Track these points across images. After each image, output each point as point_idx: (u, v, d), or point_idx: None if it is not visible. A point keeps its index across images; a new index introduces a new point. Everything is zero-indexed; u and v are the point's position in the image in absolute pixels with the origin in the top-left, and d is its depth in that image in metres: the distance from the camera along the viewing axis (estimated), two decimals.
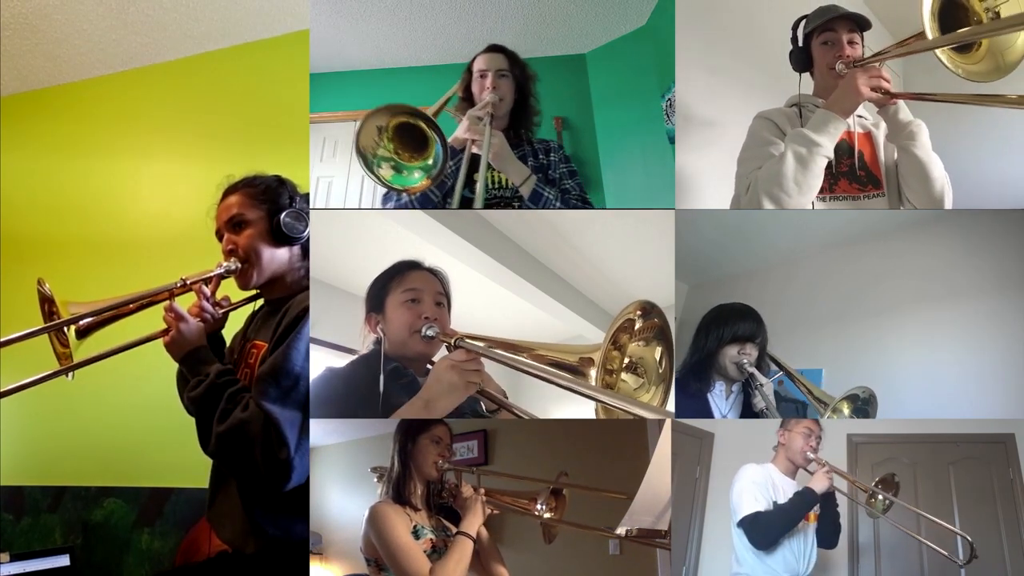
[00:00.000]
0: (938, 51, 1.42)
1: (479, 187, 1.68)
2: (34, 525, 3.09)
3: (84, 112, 3.37)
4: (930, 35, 1.39)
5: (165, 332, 1.57)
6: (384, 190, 1.73)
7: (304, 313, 1.53)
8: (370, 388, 1.35)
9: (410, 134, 1.55)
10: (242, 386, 1.51)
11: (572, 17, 2.55)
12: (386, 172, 1.55)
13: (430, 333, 1.40)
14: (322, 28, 2.51)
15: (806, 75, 1.80)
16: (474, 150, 1.74)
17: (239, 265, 1.63)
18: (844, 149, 1.72)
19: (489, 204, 1.86)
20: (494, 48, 1.93)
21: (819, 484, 1.73)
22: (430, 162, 1.55)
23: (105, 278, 3.06)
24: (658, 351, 1.28)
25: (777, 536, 1.72)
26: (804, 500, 1.73)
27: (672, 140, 2.27)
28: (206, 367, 1.53)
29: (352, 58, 2.69)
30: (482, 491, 1.51)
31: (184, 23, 2.96)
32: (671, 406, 1.35)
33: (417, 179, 1.57)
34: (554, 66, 2.69)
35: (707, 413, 1.77)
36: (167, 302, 1.58)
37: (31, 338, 1.46)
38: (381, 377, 1.34)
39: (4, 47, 3.08)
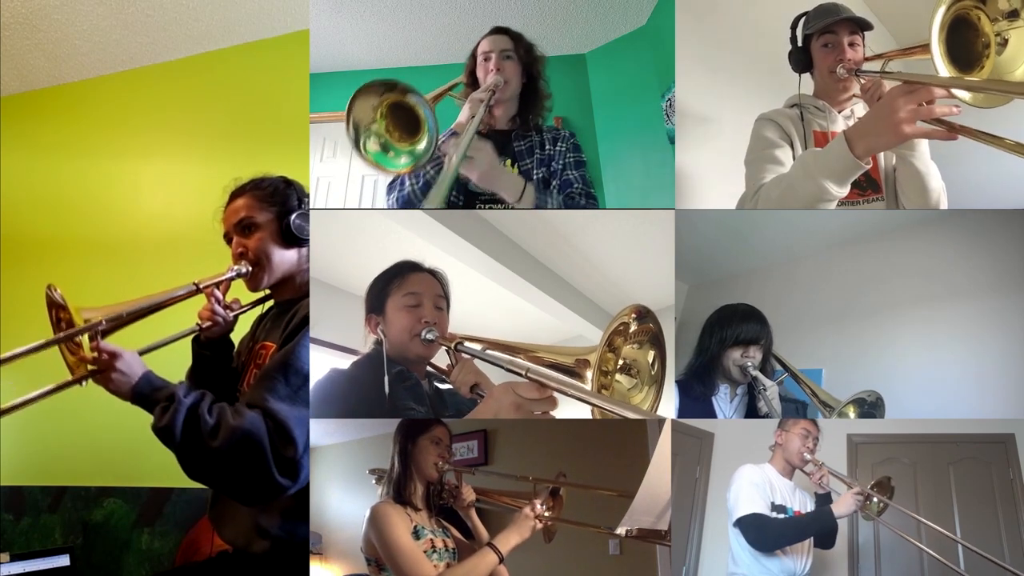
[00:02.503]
0: (941, 68, 1.31)
1: (460, 151, 1.55)
2: (34, 525, 3.09)
3: (84, 112, 3.37)
4: (936, 49, 1.29)
5: (95, 373, 1.42)
6: (388, 180, 1.68)
7: None
8: (376, 390, 1.36)
9: (404, 115, 1.48)
10: (211, 397, 1.45)
11: (572, 17, 2.55)
12: (372, 146, 1.49)
13: (430, 337, 1.42)
14: (322, 28, 2.51)
15: (806, 76, 1.78)
16: (466, 171, 1.64)
17: (250, 268, 1.64)
18: None
19: (491, 202, 1.82)
20: (498, 30, 1.87)
21: (842, 507, 1.67)
22: (419, 148, 1.49)
23: (106, 278, 3.06)
24: (651, 354, 1.28)
25: (781, 543, 1.71)
26: (821, 519, 1.71)
27: (672, 140, 2.27)
28: (163, 392, 1.41)
29: (352, 58, 2.69)
30: (541, 511, 1.44)
31: (184, 23, 2.96)
32: (673, 409, 1.35)
33: (403, 164, 1.51)
34: (554, 66, 2.68)
35: (711, 416, 1.76)
36: (93, 342, 1.42)
37: (48, 347, 1.40)
38: (386, 379, 1.34)
39: (4, 47, 3.08)
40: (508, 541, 1.41)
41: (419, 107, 1.46)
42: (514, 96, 1.84)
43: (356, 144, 1.47)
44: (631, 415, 1.07)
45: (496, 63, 1.81)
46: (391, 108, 1.47)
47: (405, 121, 1.49)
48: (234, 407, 1.42)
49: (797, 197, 1.50)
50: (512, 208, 1.82)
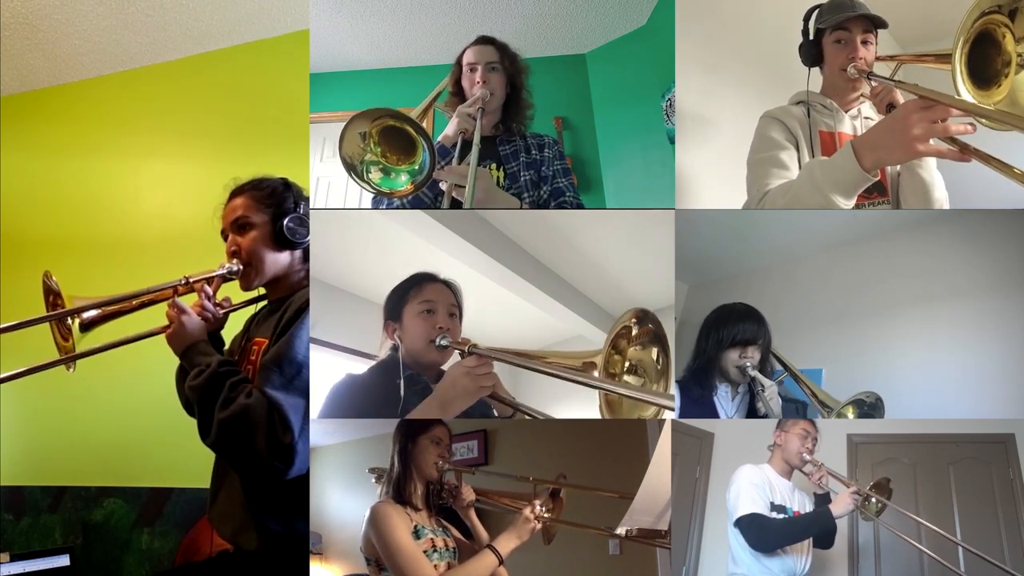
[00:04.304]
0: (959, 81, 1.26)
1: (468, 186, 1.62)
2: (34, 525, 3.09)
3: (84, 112, 3.37)
4: (957, 66, 1.25)
5: (166, 327, 1.58)
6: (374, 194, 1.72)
7: (306, 306, 1.56)
8: (387, 395, 1.40)
9: (397, 137, 1.52)
10: (243, 376, 1.52)
11: (572, 17, 2.55)
12: (375, 176, 1.54)
13: (443, 343, 1.46)
14: (322, 28, 2.51)
15: (815, 70, 1.75)
16: (457, 190, 1.68)
17: (240, 267, 1.65)
18: None
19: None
20: (484, 40, 1.89)
21: (840, 507, 1.68)
22: (416, 167, 1.53)
23: (106, 278, 3.05)
24: (655, 351, 1.35)
25: (780, 544, 1.71)
26: (819, 519, 1.71)
27: (672, 140, 2.27)
28: (206, 358, 1.53)
29: (352, 58, 2.69)
30: (540, 512, 1.47)
31: (184, 23, 2.96)
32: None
33: (403, 182, 1.55)
34: (554, 66, 2.69)
35: (712, 416, 1.76)
36: (171, 298, 1.60)
37: (35, 324, 1.48)
38: (401, 383, 1.39)
39: (4, 47, 3.08)
40: (508, 543, 1.43)
41: (411, 129, 1.50)
42: (499, 106, 1.89)
43: (360, 178, 1.52)
44: (643, 397, 1.20)
45: (482, 75, 1.84)
46: (382, 134, 1.51)
47: (399, 142, 1.53)
48: (248, 390, 1.47)
49: (804, 207, 1.50)
50: (512, 209, 1.83)
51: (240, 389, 1.47)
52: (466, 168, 1.62)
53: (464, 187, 1.62)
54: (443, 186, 1.70)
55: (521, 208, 1.78)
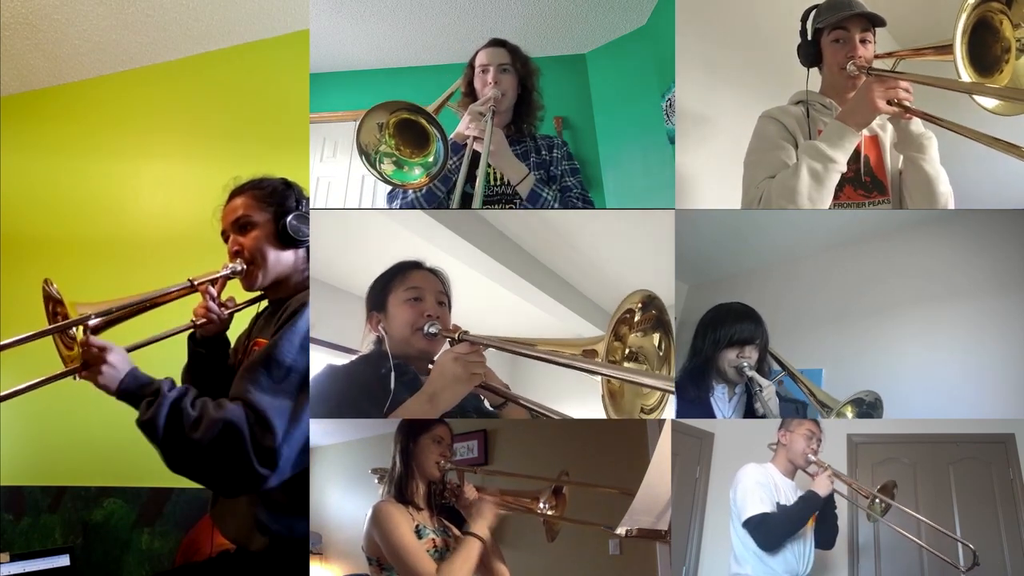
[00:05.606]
0: (961, 68, 1.33)
1: (479, 184, 1.67)
2: (34, 525, 3.09)
3: (84, 112, 3.37)
4: (958, 52, 1.31)
5: (84, 368, 1.43)
6: (389, 188, 1.74)
7: (301, 308, 1.54)
8: (372, 386, 1.35)
9: (411, 131, 1.56)
10: (195, 392, 1.45)
11: (572, 17, 2.55)
12: (387, 167, 1.57)
13: (432, 330, 1.40)
14: (322, 28, 2.51)
15: (814, 70, 1.76)
16: (475, 147, 1.73)
17: (244, 267, 1.64)
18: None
19: (489, 200, 1.86)
20: (496, 43, 1.93)
21: (822, 487, 1.72)
22: (430, 159, 1.57)
23: (106, 278, 3.06)
24: (656, 337, 1.32)
25: (783, 539, 1.72)
26: (809, 503, 1.73)
27: (672, 140, 2.27)
28: (149, 387, 1.43)
29: (352, 58, 2.69)
30: (495, 492, 1.50)
31: (184, 23, 2.96)
32: (671, 408, 1.37)
33: (417, 175, 1.58)
34: (554, 66, 2.69)
35: (709, 417, 1.76)
36: (81, 336, 1.43)
37: (40, 338, 1.43)
38: (392, 375, 1.34)
39: (4, 47, 3.08)
40: (482, 526, 1.45)
41: (425, 122, 1.55)
42: (510, 107, 1.92)
43: (373, 166, 1.56)
44: (645, 381, 1.18)
45: (494, 76, 1.88)
46: (397, 127, 1.55)
47: (412, 136, 1.57)
48: (216, 400, 1.42)
49: (801, 180, 1.57)
50: (513, 208, 1.84)
51: (203, 405, 1.40)
52: (486, 124, 1.70)
53: (483, 139, 1.70)
54: (464, 129, 1.75)
55: (528, 175, 1.79)
